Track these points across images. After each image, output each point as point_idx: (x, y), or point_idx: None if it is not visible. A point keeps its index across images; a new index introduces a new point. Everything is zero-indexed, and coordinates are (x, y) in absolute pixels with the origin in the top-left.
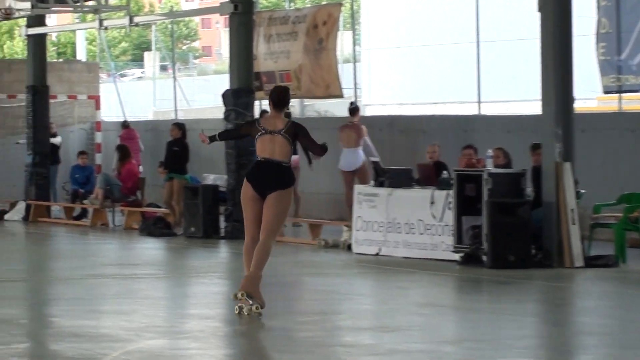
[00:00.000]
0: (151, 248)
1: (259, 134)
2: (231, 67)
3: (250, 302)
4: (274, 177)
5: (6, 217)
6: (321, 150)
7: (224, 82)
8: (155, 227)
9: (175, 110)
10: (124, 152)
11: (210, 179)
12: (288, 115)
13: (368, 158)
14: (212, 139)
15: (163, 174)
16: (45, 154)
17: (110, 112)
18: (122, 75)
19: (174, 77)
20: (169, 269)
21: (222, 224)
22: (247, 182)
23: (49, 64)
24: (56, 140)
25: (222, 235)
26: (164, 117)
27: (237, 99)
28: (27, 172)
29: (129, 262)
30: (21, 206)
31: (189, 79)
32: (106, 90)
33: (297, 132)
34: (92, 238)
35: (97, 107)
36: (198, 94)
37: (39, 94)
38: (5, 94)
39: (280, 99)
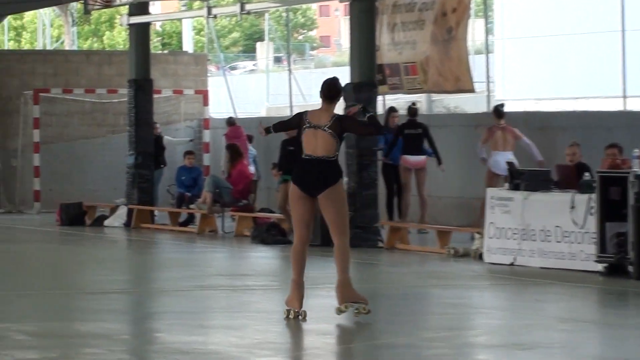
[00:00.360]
0: (264, 257)
1: (303, 127)
2: (352, 59)
3: (355, 306)
4: (320, 175)
5: (106, 223)
6: (376, 129)
7: (343, 76)
8: (268, 234)
9: (291, 106)
10: (235, 152)
11: None
12: (365, 110)
13: (535, 159)
14: (267, 130)
15: (277, 176)
16: (148, 154)
17: (220, 108)
18: (233, 68)
19: (289, 70)
20: (283, 280)
21: None
22: (293, 182)
23: (153, 56)
24: (171, 139)
25: None
26: (278, 114)
27: (358, 93)
28: (128, 174)
29: (240, 273)
30: (122, 211)
31: (306, 71)
32: (215, 84)
33: (343, 126)
34: (199, 246)
35: (205, 102)
36: (315, 88)
37: (142, 89)
38: (105, 88)
39: (330, 90)
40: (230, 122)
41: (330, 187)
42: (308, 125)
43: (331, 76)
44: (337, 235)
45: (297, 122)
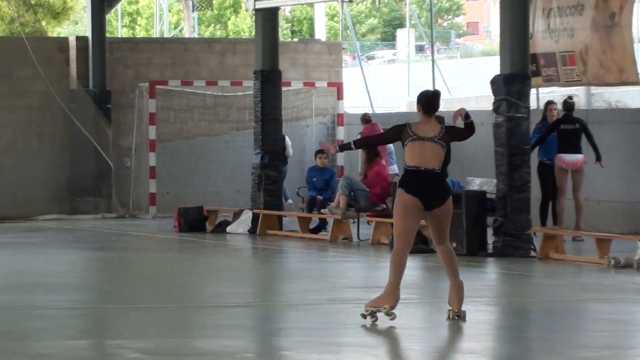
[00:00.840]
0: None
1: (408, 139)
2: (502, 48)
3: (459, 314)
4: (437, 188)
5: (229, 229)
6: (472, 131)
7: (493, 66)
8: None
9: None
10: (372, 151)
11: (475, 183)
12: (441, 120)
13: None
14: (343, 147)
15: None
16: (276, 153)
17: (355, 102)
18: (370, 58)
19: (433, 60)
20: (424, 292)
21: (490, 238)
22: (407, 193)
23: (282, 45)
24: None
25: (490, 252)
26: None
27: (509, 86)
28: (254, 175)
29: (377, 285)
30: (247, 216)
31: (451, 61)
32: (350, 75)
33: (452, 135)
34: (331, 255)
35: (339, 96)
36: (461, 80)
37: (269, 81)
38: (229, 80)
39: (429, 104)
40: (366, 119)
41: (447, 200)
42: (414, 137)
43: (433, 90)
44: (445, 241)
45: (396, 134)
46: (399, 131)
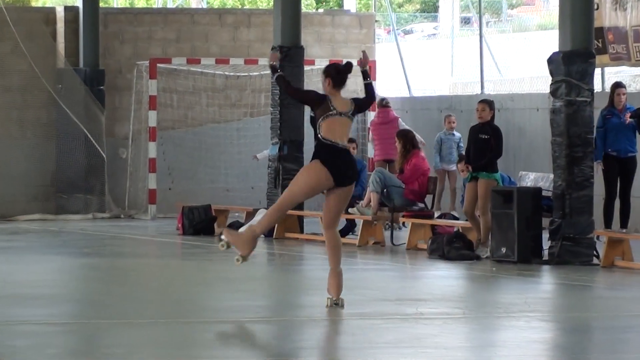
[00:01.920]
0: (445, 277)
1: (328, 113)
2: (561, 21)
3: (337, 302)
4: (349, 166)
5: (241, 232)
6: (369, 97)
7: (551, 42)
8: (451, 247)
9: (482, 82)
10: (409, 142)
11: (529, 179)
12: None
13: None
14: (273, 68)
15: (465, 172)
16: (297, 143)
17: (391, 83)
18: (407, 32)
19: (480, 35)
20: (470, 306)
21: (546, 243)
22: (323, 165)
23: (304, 17)
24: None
25: (545, 259)
26: (465, 92)
27: (569, 65)
28: (270, 168)
29: (413, 297)
30: (262, 217)
31: (502, 36)
32: (385, 53)
33: (358, 108)
34: (361, 262)
35: (372, 77)
36: (514, 58)
37: (290, 59)
38: (242, 57)
39: (340, 75)
40: (383, 103)
41: (353, 183)
42: (335, 112)
43: (344, 61)
44: (336, 224)
45: (316, 101)
46: (320, 100)
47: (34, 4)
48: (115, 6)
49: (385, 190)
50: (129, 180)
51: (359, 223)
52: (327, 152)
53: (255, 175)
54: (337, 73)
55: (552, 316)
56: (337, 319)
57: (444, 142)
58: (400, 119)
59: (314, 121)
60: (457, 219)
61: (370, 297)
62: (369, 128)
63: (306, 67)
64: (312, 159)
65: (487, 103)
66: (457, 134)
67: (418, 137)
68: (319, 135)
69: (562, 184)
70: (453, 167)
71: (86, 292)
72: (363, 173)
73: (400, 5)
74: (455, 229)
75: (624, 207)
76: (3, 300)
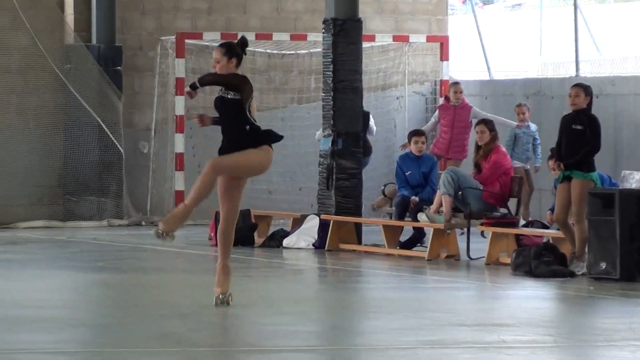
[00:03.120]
0: (532, 297)
1: (252, 97)
2: None
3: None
4: None
5: (286, 242)
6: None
7: None
8: (539, 262)
9: (577, 62)
10: (489, 134)
11: (633, 179)
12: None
13: None
14: (193, 87)
15: (556, 171)
16: (354, 136)
17: (466, 63)
18: (487, 2)
19: (575, 5)
20: (562, 332)
21: None
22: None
23: None
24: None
25: None
26: (556, 74)
27: None
28: (322, 166)
29: (495, 322)
30: (312, 224)
31: (601, 7)
32: (459, 26)
33: None
34: (430, 280)
35: (444, 55)
36: (615, 34)
37: (345, 34)
38: (288, 32)
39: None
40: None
41: None
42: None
43: (240, 35)
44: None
45: (244, 86)
46: (246, 83)
47: None
48: None
49: (459, 192)
50: (152, 180)
51: (429, 232)
52: (270, 138)
53: (304, 174)
54: (243, 52)
55: None
56: (403, 348)
57: (518, 137)
58: (474, 109)
59: (229, 104)
60: (546, 227)
61: (443, 321)
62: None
63: (365, 44)
64: (259, 144)
65: (583, 87)
66: (533, 126)
67: None
68: (252, 119)
69: None
70: (528, 166)
71: (99, 315)
72: (433, 172)
73: None
74: (544, 240)
75: None
76: (1, 323)
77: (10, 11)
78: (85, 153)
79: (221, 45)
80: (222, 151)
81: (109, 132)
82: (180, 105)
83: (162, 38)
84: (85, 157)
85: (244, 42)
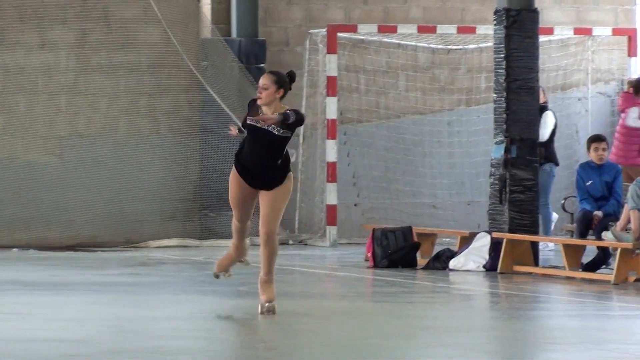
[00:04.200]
0: None
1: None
2: None
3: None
4: None
5: (453, 264)
6: None
7: None
8: None
9: None
10: None
11: None
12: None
13: None
14: (241, 130)
15: None
16: (530, 143)
17: None
18: None
19: None
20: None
21: None
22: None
23: None
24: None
25: None
26: None
27: None
28: (494, 177)
29: None
30: (482, 243)
31: None
32: None
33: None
34: (617, 306)
35: (632, 51)
36: None
37: (520, 27)
38: (454, 25)
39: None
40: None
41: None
42: None
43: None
44: None
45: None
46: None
47: None
48: None
49: None
50: (300, 193)
51: (615, 252)
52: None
53: (473, 186)
54: (290, 86)
55: None
56: None
57: None
58: None
59: (275, 140)
60: None
61: (632, 354)
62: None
63: (542, 38)
64: (286, 175)
65: None
66: None
67: None
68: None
69: None
70: None
71: (241, 347)
72: (617, 181)
73: None
74: None
75: None
76: (130, 355)
77: (141, 1)
78: (224, 162)
79: (271, 72)
80: (244, 170)
81: None
82: (332, 107)
83: (312, 31)
84: (224, 166)
85: (292, 77)
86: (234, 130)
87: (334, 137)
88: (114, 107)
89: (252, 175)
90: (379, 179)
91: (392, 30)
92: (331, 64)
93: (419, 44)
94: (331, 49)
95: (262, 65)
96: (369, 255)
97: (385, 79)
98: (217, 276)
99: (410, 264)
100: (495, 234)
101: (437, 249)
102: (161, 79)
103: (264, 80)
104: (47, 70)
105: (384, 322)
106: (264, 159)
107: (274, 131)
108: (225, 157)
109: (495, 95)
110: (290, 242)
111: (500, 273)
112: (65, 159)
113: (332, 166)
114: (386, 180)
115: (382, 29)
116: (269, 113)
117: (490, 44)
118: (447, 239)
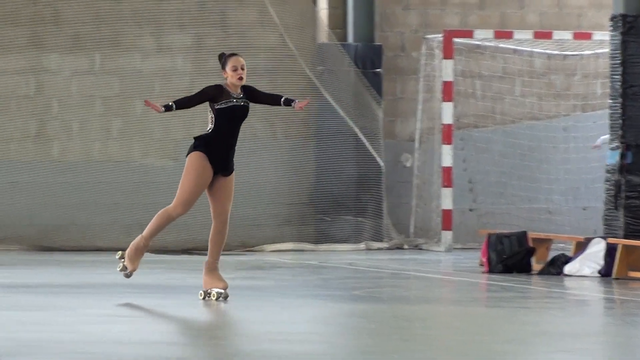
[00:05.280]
0: None
1: (226, 101)
2: None
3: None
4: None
5: (568, 269)
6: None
7: None
8: None
9: None
10: None
11: None
12: None
13: None
14: (167, 107)
15: None
16: None
17: None
18: None
19: None
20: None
21: None
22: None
23: None
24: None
25: None
26: None
27: None
28: (609, 183)
29: None
30: (597, 249)
31: None
32: None
33: (252, 94)
34: None
35: None
36: None
37: (636, 32)
38: (570, 30)
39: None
40: None
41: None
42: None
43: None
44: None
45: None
46: (215, 90)
47: None
48: None
49: None
50: (416, 198)
51: None
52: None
53: (589, 191)
54: None
55: None
56: None
57: None
58: None
59: (244, 113)
60: None
61: None
62: None
63: None
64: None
65: None
66: None
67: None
68: None
69: None
70: None
71: (356, 350)
72: None
73: None
74: None
75: None
76: (247, 358)
77: (257, 6)
78: (340, 167)
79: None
80: (215, 154)
81: (367, 143)
82: (448, 113)
83: (428, 36)
84: (340, 171)
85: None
86: (158, 108)
87: (449, 142)
88: None
89: (222, 158)
90: (495, 184)
91: (508, 35)
92: (447, 70)
93: (534, 50)
94: (447, 54)
95: (378, 70)
96: (484, 260)
97: (501, 84)
98: (128, 275)
99: (525, 269)
100: (611, 240)
101: (552, 254)
102: (277, 83)
103: (243, 60)
104: (163, 74)
105: (499, 327)
106: (234, 139)
107: (248, 105)
108: (341, 161)
109: (611, 101)
110: (406, 246)
111: (615, 279)
112: (181, 162)
113: (447, 171)
114: (502, 186)
115: (498, 35)
116: (236, 92)
117: (606, 50)
118: (562, 244)
